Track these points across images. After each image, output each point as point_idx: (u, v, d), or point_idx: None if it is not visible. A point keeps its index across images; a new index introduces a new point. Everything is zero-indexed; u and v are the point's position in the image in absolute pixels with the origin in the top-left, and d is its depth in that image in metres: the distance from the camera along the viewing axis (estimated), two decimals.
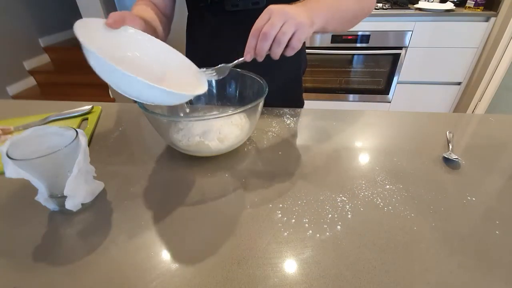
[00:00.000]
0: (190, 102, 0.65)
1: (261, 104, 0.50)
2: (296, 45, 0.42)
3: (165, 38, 0.69)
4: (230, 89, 0.63)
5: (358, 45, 1.85)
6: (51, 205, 0.41)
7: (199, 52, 0.76)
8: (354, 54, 1.94)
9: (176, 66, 0.51)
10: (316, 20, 0.45)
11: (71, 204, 0.40)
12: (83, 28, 0.41)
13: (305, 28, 0.41)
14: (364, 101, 2.10)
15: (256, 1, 0.62)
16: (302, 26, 0.41)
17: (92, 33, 0.43)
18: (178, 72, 0.50)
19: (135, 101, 0.44)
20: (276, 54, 0.43)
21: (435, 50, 1.82)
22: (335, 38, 1.83)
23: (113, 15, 0.46)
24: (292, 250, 0.36)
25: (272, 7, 0.41)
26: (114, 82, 0.40)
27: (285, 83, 0.74)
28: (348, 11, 0.54)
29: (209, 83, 0.63)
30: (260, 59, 0.44)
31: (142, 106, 0.46)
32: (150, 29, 0.55)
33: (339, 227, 0.39)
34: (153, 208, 0.43)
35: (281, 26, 0.40)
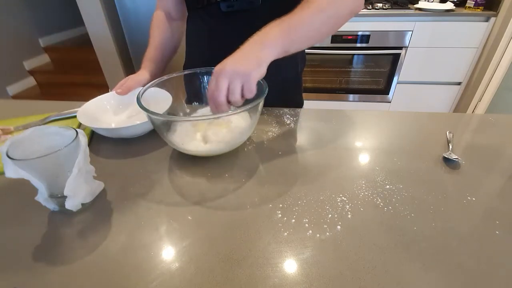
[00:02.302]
0: (191, 102, 0.65)
1: (261, 104, 0.50)
2: (249, 94, 0.44)
3: (179, 40, 0.79)
4: None
5: (358, 45, 1.85)
6: (51, 205, 0.41)
7: (198, 52, 0.76)
8: (354, 54, 1.94)
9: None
10: (267, 55, 0.45)
11: (71, 204, 0.40)
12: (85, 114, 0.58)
13: (251, 76, 0.43)
14: (364, 101, 2.10)
15: (251, 1, 0.62)
16: (247, 77, 0.43)
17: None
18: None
19: (136, 100, 0.48)
20: (237, 105, 0.45)
21: (435, 50, 1.82)
22: (335, 38, 1.83)
23: (120, 86, 0.64)
24: (292, 250, 0.36)
25: (216, 69, 0.44)
26: (112, 134, 0.58)
27: (282, 82, 0.74)
28: (313, 24, 0.49)
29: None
30: (229, 107, 0.46)
31: (142, 106, 0.46)
32: (158, 58, 0.72)
33: (339, 227, 0.39)
34: (153, 208, 0.43)
35: (228, 85, 0.43)
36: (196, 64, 0.65)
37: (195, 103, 0.65)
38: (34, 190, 0.39)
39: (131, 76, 0.66)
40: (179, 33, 0.79)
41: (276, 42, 0.46)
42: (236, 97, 0.44)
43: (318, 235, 0.38)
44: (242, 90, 0.44)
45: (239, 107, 0.45)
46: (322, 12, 0.49)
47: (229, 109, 0.46)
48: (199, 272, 0.34)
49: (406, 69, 1.90)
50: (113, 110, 0.65)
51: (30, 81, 2.86)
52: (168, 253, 0.36)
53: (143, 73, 0.68)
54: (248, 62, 0.44)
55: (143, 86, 0.60)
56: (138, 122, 0.55)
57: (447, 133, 0.58)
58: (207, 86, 0.64)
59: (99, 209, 0.43)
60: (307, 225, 0.39)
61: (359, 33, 1.80)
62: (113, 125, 0.61)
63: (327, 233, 0.38)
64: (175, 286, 0.32)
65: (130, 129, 0.56)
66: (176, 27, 0.77)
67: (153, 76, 0.69)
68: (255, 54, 0.45)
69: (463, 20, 1.72)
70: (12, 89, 2.69)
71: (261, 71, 0.45)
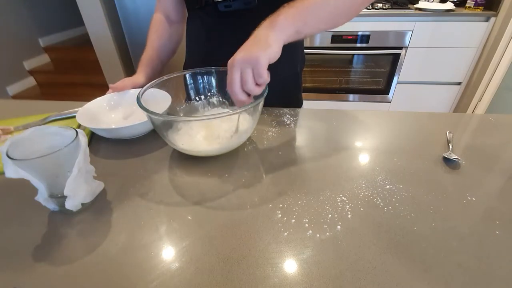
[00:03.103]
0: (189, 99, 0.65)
1: (261, 104, 0.50)
2: (260, 80, 0.44)
3: (178, 42, 0.80)
4: None
5: (358, 45, 1.85)
6: (51, 205, 0.41)
7: (198, 52, 0.76)
8: (354, 54, 1.94)
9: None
10: (277, 36, 0.45)
11: (71, 204, 0.40)
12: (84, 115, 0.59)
13: (258, 60, 0.42)
14: (364, 101, 2.10)
15: (248, 1, 0.62)
16: (255, 61, 0.43)
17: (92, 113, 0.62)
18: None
19: (136, 100, 0.49)
20: (254, 93, 0.45)
21: (435, 50, 1.82)
22: (335, 38, 1.83)
23: (116, 85, 0.66)
24: (292, 250, 0.36)
25: (229, 62, 0.44)
26: (110, 135, 0.59)
27: (282, 82, 0.74)
28: (327, 6, 0.48)
29: (210, 83, 0.64)
30: (251, 99, 0.47)
31: (142, 106, 0.46)
32: (155, 62, 0.73)
33: (339, 227, 0.39)
34: (153, 208, 0.43)
35: (241, 75, 0.44)
36: (196, 64, 0.65)
37: (195, 103, 0.65)
38: (34, 190, 0.39)
39: (127, 78, 0.67)
40: (177, 36, 0.79)
41: (287, 23, 0.45)
42: (250, 85, 0.44)
43: (318, 235, 0.38)
44: (255, 77, 0.44)
45: (239, 107, 0.46)
46: None
47: (249, 100, 0.46)
48: (199, 272, 0.34)
49: (406, 69, 1.90)
50: (111, 111, 0.65)
51: (30, 81, 2.86)
52: (168, 253, 0.36)
53: (139, 77, 0.69)
54: (256, 47, 0.44)
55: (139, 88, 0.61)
56: (138, 122, 0.55)
57: (447, 133, 0.58)
58: (207, 86, 0.64)
59: (99, 209, 0.43)
60: (307, 225, 0.39)
61: (359, 33, 1.80)
62: (113, 126, 0.61)
63: (327, 233, 0.38)
64: (175, 286, 0.32)
65: (130, 129, 0.56)
66: (175, 30, 0.77)
67: (149, 80, 0.69)
68: (263, 38, 0.44)
69: (463, 20, 1.72)
70: (12, 89, 2.69)
71: (271, 53, 0.44)
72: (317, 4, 0.47)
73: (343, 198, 0.44)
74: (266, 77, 0.44)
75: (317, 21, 0.49)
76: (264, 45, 0.43)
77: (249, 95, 0.45)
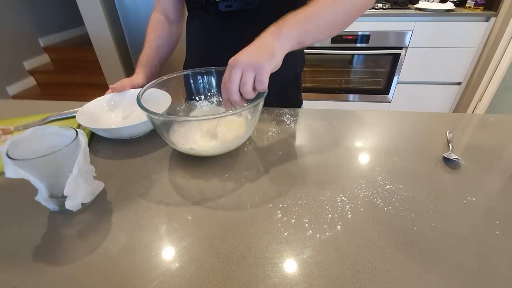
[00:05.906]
0: (189, 99, 0.65)
1: (261, 104, 0.50)
2: (260, 87, 0.44)
3: (176, 42, 0.80)
4: None
5: (358, 45, 1.85)
6: (51, 205, 0.41)
7: (198, 52, 0.76)
8: (354, 54, 1.94)
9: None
10: (282, 46, 0.45)
11: (71, 204, 0.40)
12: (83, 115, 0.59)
13: (263, 68, 0.43)
14: (364, 101, 2.10)
15: (248, 1, 0.62)
16: (260, 68, 0.43)
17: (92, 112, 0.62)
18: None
19: (136, 100, 0.49)
20: (249, 97, 0.45)
21: (435, 50, 1.82)
22: (335, 38, 1.83)
23: (115, 85, 0.65)
24: (292, 250, 0.36)
25: (230, 61, 0.44)
26: (109, 135, 0.59)
27: (282, 82, 0.74)
28: (327, 16, 0.50)
29: (210, 83, 0.64)
30: (243, 102, 0.46)
31: (142, 106, 0.46)
32: (153, 62, 0.72)
33: (339, 227, 0.39)
34: (153, 208, 0.43)
35: (241, 77, 0.43)
36: (196, 63, 0.65)
37: (195, 103, 0.65)
38: (34, 190, 0.39)
39: (126, 79, 0.67)
40: (176, 36, 0.79)
41: (291, 33, 0.46)
42: (248, 88, 0.44)
43: (318, 235, 0.38)
44: (254, 82, 0.44)
45: (240, 106, 0.46)
46: (335, 4, 0.50)
47: (242, 102, 0.46)
48: (199, 272, 0.34)
49: (406, 69, 1.90)
50: (111, 111, 0.65)
51: (30, 81, 2.86)
52: (168, 253, 0.36)
53: (138, 77, 0.69)
54: (262, 54, 0.44)
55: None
56: (138, 122, 0.55)
57: (447, 133, 0.58)
58: (207, 86, 0.64)
59: (99, 209, 0.43)
60: (307, 225, 0.39)
61: (359, 33, 1.80)
62: (113, 126, 0.61)
63: (327, 233, 0.38)
64: (175, 286, 0.32)
65: (130, 129, 0.56)
66: (174, 29, 0.77)
67: (148, 80, 0.69)
68: (269, 46, 0.44)
69: (463, 20, 1.72)
70: (12, 89, 2.69)
71: (274, 63, 0.44)
72: (318, 14, 0.48)
73: (343, 198, 0.44)
74: (266, 85, 0.44)
75: (318, 31, 0.50)
76: (271, 54, 0.44)
77: (241, 95, 0.45)
